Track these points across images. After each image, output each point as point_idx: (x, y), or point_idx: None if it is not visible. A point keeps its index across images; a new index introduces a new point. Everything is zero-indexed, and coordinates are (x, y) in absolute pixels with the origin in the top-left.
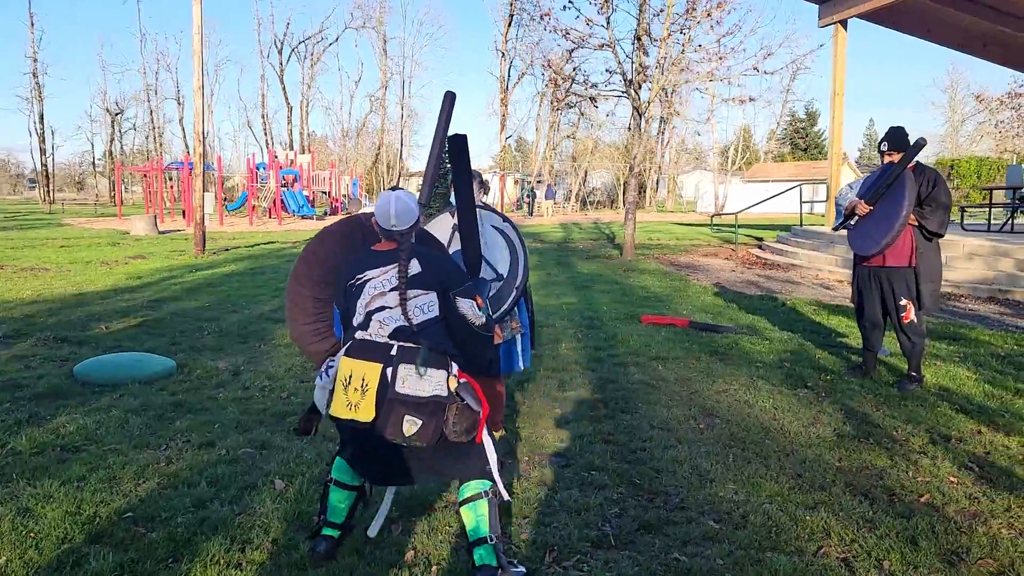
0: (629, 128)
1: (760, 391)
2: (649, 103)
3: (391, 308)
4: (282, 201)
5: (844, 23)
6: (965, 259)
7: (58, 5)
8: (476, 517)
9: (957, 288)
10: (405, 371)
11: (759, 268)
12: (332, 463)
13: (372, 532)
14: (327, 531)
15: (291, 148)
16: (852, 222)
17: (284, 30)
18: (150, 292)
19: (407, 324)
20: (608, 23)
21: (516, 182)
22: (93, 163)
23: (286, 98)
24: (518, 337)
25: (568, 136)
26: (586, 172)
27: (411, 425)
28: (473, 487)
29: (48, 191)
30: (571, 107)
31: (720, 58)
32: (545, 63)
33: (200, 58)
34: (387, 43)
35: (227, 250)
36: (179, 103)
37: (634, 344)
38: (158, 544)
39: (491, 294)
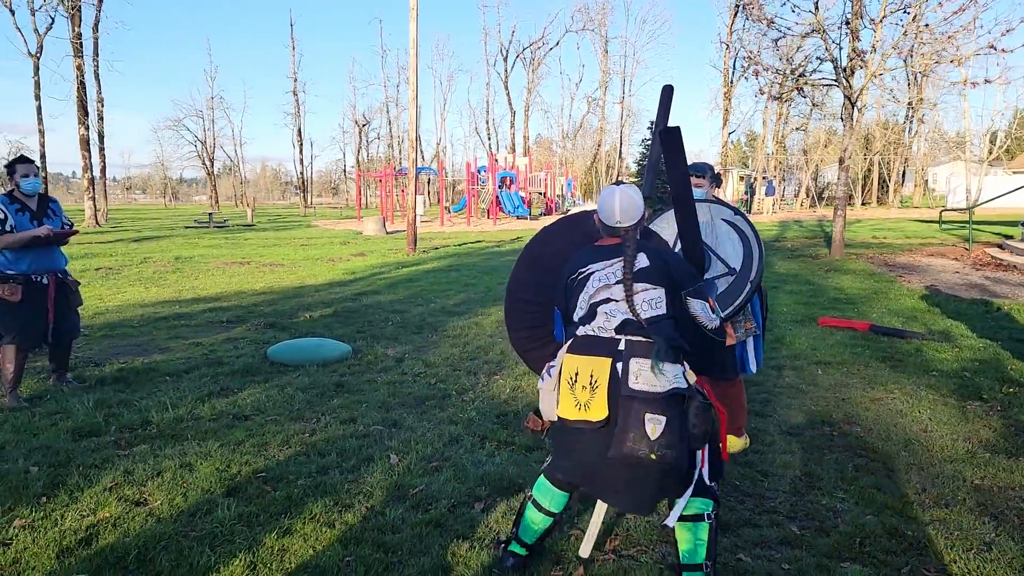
0: (841, 118)
1: (921, 401)
2: (862, 90)
3: (617, 301)
4: (498, 202)
5: None
6: None
7: (315, 30)
8: (695, 540)
9: None
10: (638, 366)
11: (990, 270)
12: (534, 481)
13: (584, 552)
14: (515, 547)
15: (513, 151)
16: None
17: (510, 38)
18: (358, 286)
19: (634, 318)
20: (816, 7)
21: (741, 179)
22: (344, 170)
23: (510, 103)
24: (751, 338)
25: (798, 128)
26: (816, 166)
27: (654, 425)
28: (697, 505)
29: (304, 196)
30: (784, 100)
31: (948, 37)
32: (747, 54)
33: (415, 72)
34: (608, 43)
35: (436, 249)
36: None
37: (800, 347)
38: (276, 501)
39: (723, 289)
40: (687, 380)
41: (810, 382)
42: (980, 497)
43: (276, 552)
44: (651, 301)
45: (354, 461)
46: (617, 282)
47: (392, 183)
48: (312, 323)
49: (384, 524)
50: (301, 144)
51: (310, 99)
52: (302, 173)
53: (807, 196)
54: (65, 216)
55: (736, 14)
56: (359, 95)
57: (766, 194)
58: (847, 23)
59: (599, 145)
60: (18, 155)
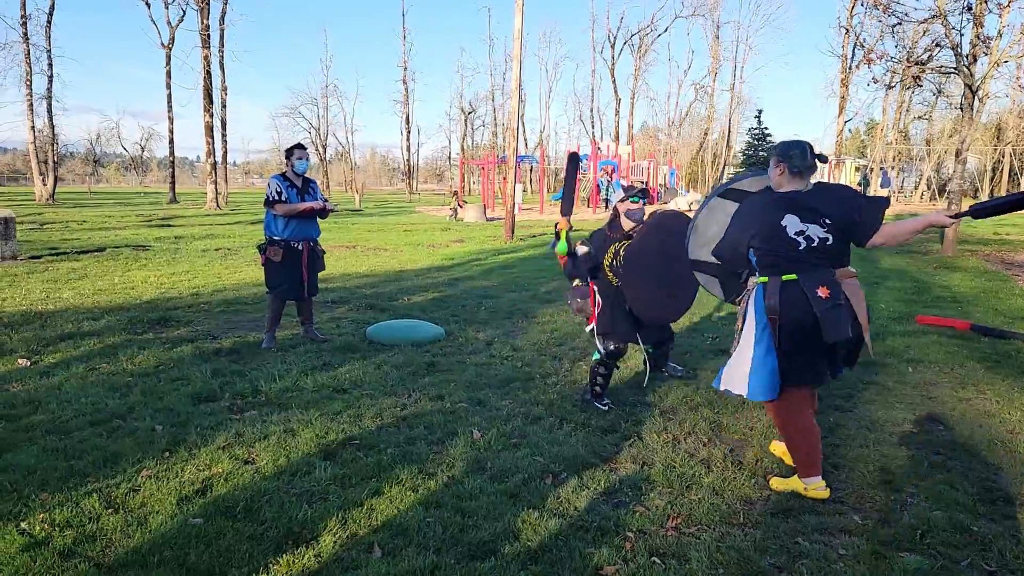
0: (961, 108)
1: (1013, 403)
2: (985, 78)
3: None
4: (599, 190)
5: None
6: None
7: (425, 19)
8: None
9: None
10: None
11: None
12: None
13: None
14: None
15: (617, 140)
16: None
17: (618, 24)
18: (455, 272)
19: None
20: None
21: (857, 169)
22: (449, 157)
23: (615, 91)
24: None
25: (920, 117)
26: (939, 157)
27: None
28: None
29: (410, 183)
30: (889, 87)
31: None
32: (859, 42)
33: (519, 62)
34: (720, 29)
35: (533, 236)
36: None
37: (893, 344)
38: (367, 466)
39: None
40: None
41: (898, 379)
42: None
43: (365, 510)
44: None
45: (439, 434)
46: None
47: (494, 171)
48: (409, 306)
49: (463, 492)
50: (408, 131)
51: (418, 87)
52: (408, 160)
53: (927, 188)
54: (321, 194)
55: None
56: (466, 83)
57: (881, 185)
58: (970, 8)
59: (706, 134)
60: (296, 143)
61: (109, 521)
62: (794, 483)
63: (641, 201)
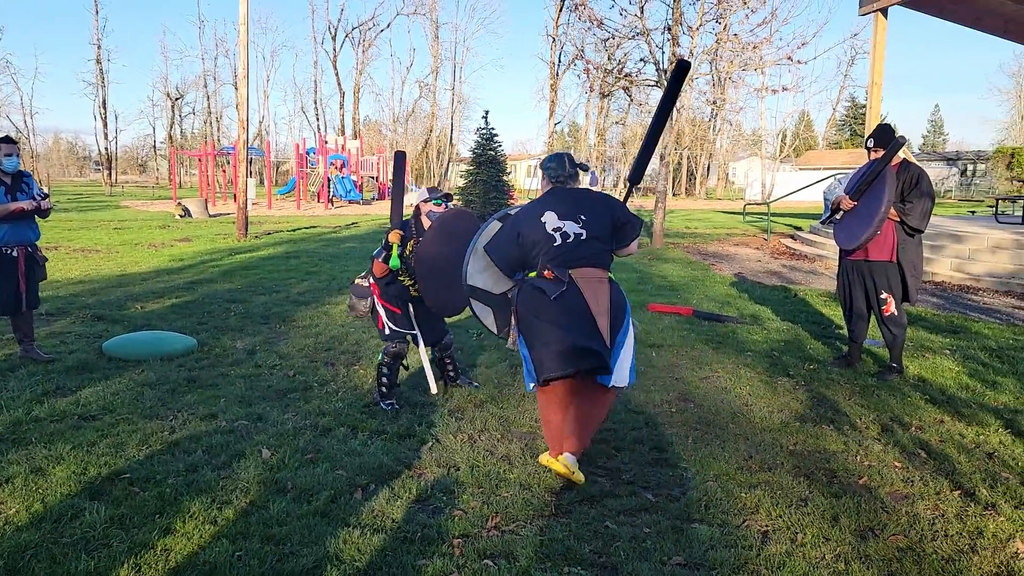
0: None
1: (741, 379)
2: (679, 92)
3: None
4: (330, 186)
5: (884, 11)
6: (989, 252)
7: None
8: None
9: (977, 281)
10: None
11: (786, 258)
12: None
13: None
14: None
15: (343, 133)
16: (838, 216)
17: (338, 16)
18: (189, 274)
19: None
20: (642, 12)
21: None
22: (154, 147)
23: (339, 84)
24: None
25: (617, 122)
26: (633, 158)
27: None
28: None
29: (110, 174)
30: (605, 96)
31: (753, 47)
32: (578, 52)
33: (246, 49)
34: (439, 29)
35: (269, 234)
36: (236, 88)
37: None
38: (148, 502)
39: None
40: (359, 285)
41: (647, 364)
42: (795, 460)
43: (159, 552)
44: None
45: (224, 457)
46: None
47: (212, 162)
48: (146, 315)
49: (269, 518)
50: (105, 117)
51: (115, 68)
52: (106, 148)
53: (625, 186)
54: (38, 188)
55: (562, 8)
56: (172, 67)
57: (590, 184)
58: (668, 29)
59: (431, 131)
60: (4, 136)
61: None
62: (545, 457)
63: (444, 204)
